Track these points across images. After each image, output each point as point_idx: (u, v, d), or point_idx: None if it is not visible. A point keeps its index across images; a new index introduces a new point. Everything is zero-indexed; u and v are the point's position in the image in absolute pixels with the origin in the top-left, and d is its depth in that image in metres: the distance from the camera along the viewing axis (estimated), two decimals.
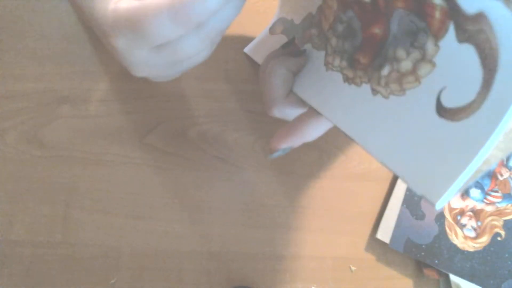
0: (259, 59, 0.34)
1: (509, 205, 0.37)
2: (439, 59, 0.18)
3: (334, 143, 0.38)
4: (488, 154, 0.16)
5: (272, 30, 0.32)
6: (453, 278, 0.37)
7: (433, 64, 0.18)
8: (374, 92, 0.21)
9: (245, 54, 0.35)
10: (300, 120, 0.26)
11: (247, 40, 0.35)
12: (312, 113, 0.25)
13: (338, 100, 0.23)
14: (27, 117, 0.33)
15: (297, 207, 0.37)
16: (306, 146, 0.37)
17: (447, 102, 0.17)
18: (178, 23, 0.17)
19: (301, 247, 0.37)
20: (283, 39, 0.31)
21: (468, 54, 0.16)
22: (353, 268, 0.37)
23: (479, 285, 0.36)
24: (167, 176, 0.35)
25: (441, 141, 0.17)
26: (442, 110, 0.17)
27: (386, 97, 0.20)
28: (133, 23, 0.17)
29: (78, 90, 0.34)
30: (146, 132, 0.35)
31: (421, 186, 0.17)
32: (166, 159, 0.35)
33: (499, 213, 0.37)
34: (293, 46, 0.27)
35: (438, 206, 0.16)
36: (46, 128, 0.33)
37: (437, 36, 0.18)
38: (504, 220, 0.37)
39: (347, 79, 0.22)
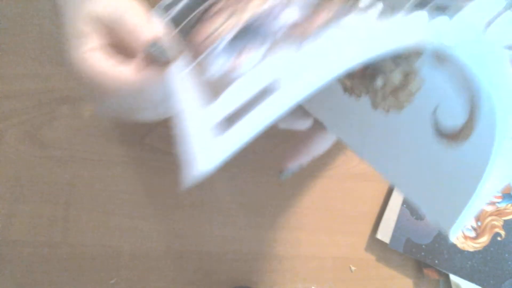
0: None
1: (509, 205, 0.37)
2: (426, 74, 0.17)
3: (335, 143, 0.38)
4: (490, 181, 0.15)
5: None
6: (453, 278, 0.37)
7: (422, 78, 0.18)
8: (375, 105, 0.21)
9: None
10: (306, 138, 0.26)
11: None
12: (317, 128, 0.25)
13: (340, 111, 0.23)
14: (27, 117, 0.33)
15: (297, 207, 0.37)
16: None
17: (443, 122, 0.17)
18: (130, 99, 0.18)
19: (301, 247, 0.37)
20: None
21: (447, 77, 0.16)
22: (353, 268, 0.37)
23: (479, 285, 0.36)
24: (167, 176, 0.35)
25: (443, 167, 0.17)
26: (439, 132, 0.17)
27: (386, 112, 0.20)
28: (92, 84, 0.18)
29: (78, 90, 0.34)
30: (146, 132, 0.35)
31: (433, 215, 0.17)
32: (166, 159, 0.35)
33: (499, 213, 0.37)
34: None
35: (452, 237, 0.16)
36: (46, 128, 0.33)
37: (417, 53, 0.17)
38: (504, 220, 0.37)
39: (346, 89, 0.22)
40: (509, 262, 0.36)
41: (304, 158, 0.26)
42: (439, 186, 0.17)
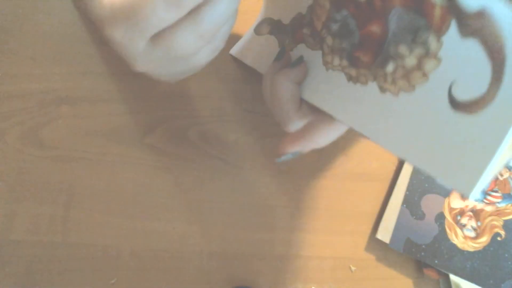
0: (246, 60, 0.33)
1: (509, 205, 0.37)
2: (444, 53, 0.18)
3: (334, 142, 0.38)
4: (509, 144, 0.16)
5: (258, 31, 0.31)
6: (453, 278, 0.37)
7: (439, 59, 0.18)
8: (382, 89, 0.21)
9: (231, 55, 0.35)
10: (310, 125, 0.25)
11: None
12: (323, 118, 0.25)
13: (346, 100, 0.23)
14: (27, 117, 0.33)
15: (297, 207, 0.37)
16: None
17: (459, 95, 0.17)
18: (170, 8, 0.17)
19: (301, 247, 0.37)
20: (269, 38, 0.30)
21: (473, 48, 0.16)
22: (353, 268, 0.37)
23: (479, 285, 0.36)
24: (167, 176, 0.35)
25: (461, 134, 0.17)
26: (456, 104, 0.17)
27: (395, 94, 0.20)
28: (127, 12, 0.17)
29: (78, 90, 0.34)
30: (146, 132, 0.35)
31: (451, 180, 0.17)
32: (166, 159, 0.35)
33: (499, 213, 0.37)
34: (286, 56, 0.27)
35: (472, 197, 0.16)
36: (46, 128, 0.33)
37: (439, 32, 0.17)
38: (504, 220, 0.37)
39: (351, 78, 0.22)
40: (509, 262, 0.36)
41: (306, 145, 0.25)
42: (456, 153, 0.17)
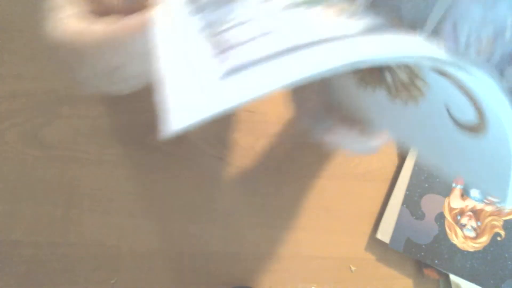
0: None
1: None
2: (431, 80, 0.17)
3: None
4: None
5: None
6: (453, 278, 0.37)
7: (425, 82, 0.17)
8: (390, 97, 0.21)
9: None
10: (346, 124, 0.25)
11: None
12: (355, 124, 0.25)
13: (363, 103, 0.23)
14: (27, 117, 0.33)
15: (297, 207, 0.37)
16: (306, 146, 0.37)
17: (457, 117, 0.17)
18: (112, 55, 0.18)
19: (301, 247, 0.37)
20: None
21: (452, 86, 0.16)
22: (353, 268, 0.37)
23: (479, 285, 0.36)
24: (167, 176, 0.35)
25: (472, 153, 0.16)
26: (457, 124, 0.17)
27: (405, 104, 0.20)
28: (68, 48, 0.19)
29: (77, 90, 0.34)
30: (146, 132, 0.35)
31: (486, 187, 0.16)
32: (166, 159, 0.35)
33: (499, 213, 0.37)
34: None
35: (509, 206, 0.16)
36: (46, 128, 0.33)
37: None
38: (504, 220, 0.37)
39: (360, 82, 0.22)
40: (509, 262, 0.36)
41: (335, 138, 0.25)
42: (473, 166, 0.17)
